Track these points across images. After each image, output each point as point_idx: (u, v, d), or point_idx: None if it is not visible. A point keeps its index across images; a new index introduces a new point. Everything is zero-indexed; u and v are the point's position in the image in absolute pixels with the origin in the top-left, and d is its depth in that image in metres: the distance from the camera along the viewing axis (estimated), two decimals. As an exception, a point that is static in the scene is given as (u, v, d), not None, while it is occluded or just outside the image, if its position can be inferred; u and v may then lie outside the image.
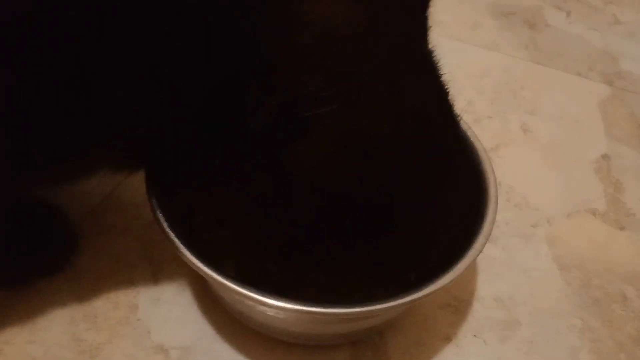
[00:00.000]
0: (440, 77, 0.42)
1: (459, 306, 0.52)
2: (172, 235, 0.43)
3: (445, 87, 0.42)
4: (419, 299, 0.41)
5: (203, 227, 0.50)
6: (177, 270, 0.52)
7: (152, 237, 0.54)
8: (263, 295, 0.40)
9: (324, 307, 0.40)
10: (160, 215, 0.44)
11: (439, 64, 0.42)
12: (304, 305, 0.40)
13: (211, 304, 0.49)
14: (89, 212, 0.55)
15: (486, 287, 0.53)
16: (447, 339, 0.49)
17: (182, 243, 0.43)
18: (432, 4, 0.42)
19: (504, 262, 0.55)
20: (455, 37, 0.84)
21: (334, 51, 0.34)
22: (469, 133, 0.52)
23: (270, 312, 0.43)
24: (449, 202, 0.43)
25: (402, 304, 0.41)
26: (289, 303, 0.40)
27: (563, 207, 0.61)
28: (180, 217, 0.46)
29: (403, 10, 0.39)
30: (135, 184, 0.57)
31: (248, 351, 0.47)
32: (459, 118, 0.45)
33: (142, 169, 0.46)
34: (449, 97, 0.43)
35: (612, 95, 0.75)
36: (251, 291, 0.40)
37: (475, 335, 0.50)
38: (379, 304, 0.40)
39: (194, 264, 0.42)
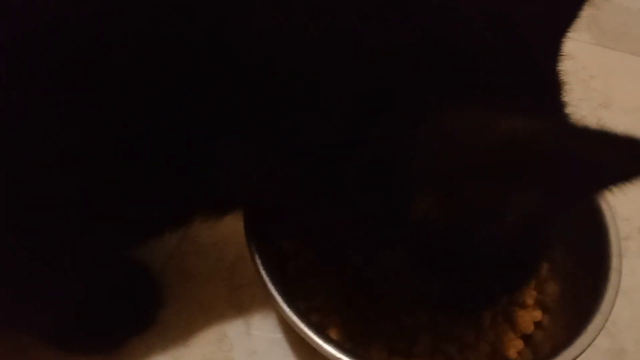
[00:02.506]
0: None
1: (562, 337, 0.50)
2: (285, 307, 0.41)
3: None
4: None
5: (296, 274, 0.48)
6: (268, 315, 0.50)
7: (239, 281, 0.52)
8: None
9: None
10: (270, 286, 0.42)
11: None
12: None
13: (309, 354, 0.48)
14: (168, 258, 0.53)
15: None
16: (556, 375, 0.48)
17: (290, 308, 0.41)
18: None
19: (601, 283, 0.53)
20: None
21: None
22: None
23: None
24: None
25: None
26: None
27: (655, 215, 0.58)
28: (275, 262, 0.44)
29: None
30: (210, 223, 0.55)
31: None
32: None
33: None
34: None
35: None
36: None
37: (583, 370, 0.48)
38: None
39: (316, 343, 0.40)
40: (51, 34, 0.30)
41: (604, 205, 0.46)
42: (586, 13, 0.80)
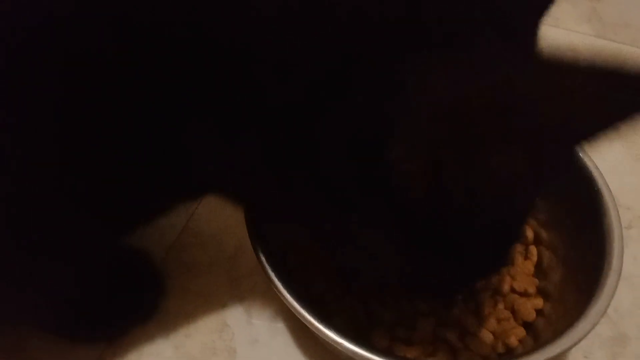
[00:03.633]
0: None
1: (564, 325, 0.49)
2: (289, 297, 0.41)
3: None
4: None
5: (297, 264, 0.48)
6: (269, 304, 0.50)
7: (239, 271, 0.52)
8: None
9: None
10: (272, 274, 0.42)
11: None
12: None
13: (311, 342, 0.47)
14: (168, 249, 0.53)
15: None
16: (558, 363, 0.48)
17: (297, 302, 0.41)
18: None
19: (603, 271, 0.53)
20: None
21: None
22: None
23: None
24: None
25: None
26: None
27: (656, 203, 0.58)
28: (276, 252, 0.44)
29: None
30: (208, 215, 0.56)
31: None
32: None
33: None
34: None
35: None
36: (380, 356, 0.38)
37: (585, 357, 0.48)
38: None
39: (318, 329, 0.40)
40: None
41: (605, 193, 0.46)
42: (587, 5, 0.80)
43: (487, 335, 0.45)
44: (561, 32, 0.76)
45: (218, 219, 0.55)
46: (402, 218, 0.32)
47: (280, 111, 0.31)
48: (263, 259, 0.42)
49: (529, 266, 0.49)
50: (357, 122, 0.30)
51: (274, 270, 0.42)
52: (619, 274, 0.42)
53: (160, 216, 0.44)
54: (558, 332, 0.41)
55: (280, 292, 0.41)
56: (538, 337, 0.45)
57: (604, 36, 0.76)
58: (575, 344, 0.39)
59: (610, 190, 0.46)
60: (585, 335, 0.39)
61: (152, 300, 0.48)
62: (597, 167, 0.48)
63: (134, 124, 0.33)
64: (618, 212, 0.46)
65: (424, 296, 0.45)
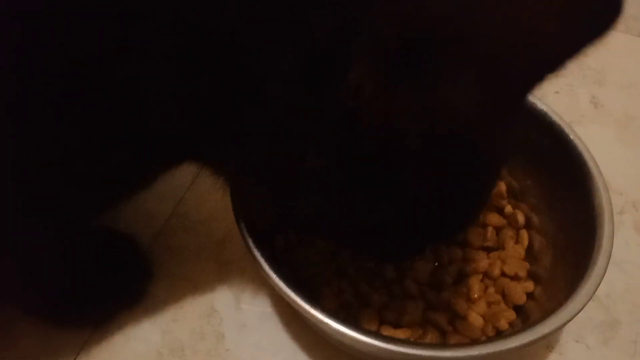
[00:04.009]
0: None
1: (555, 309, 0.49)
2: (276, 279, 0.40)
3: None
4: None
5: (285, 248, 0.47)
6: (257, 289, 0.49)
7: (228, 256, 0.51)
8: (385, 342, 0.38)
9: (434, 349, 0.38)
10: (260, 257, 0.41)
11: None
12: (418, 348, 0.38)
13: (300, 327, 0.47)
14: (156, 234, 0.52)
15: (580, 286, 0.50)
16: (549, 347, 0.47)
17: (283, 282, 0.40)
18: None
19: (595, 256, 0.52)
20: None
21: None
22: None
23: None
24: None
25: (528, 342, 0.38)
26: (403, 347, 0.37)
27: (649, 189, 0.57)
28: (263, 237, 0.44)
29: None
30: (197, 201, 0.55)
31: (345, 376, 0.45)
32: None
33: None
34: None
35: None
36: (369, 337, 0.38)
37: (577, 341, 0.48)
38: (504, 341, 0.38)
39: (305, 309, 0.39)
40: None
41: (595, 176, 0.45)
42: None
43: (477, 319, 0.45)
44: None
45: (206, 204, 0.55)
46: (353, 154, 0.30)
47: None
48: (250, 243, 0.42)
49: (520, 250, 0.49)
50: (314, 41, 0.29)
51: (261, 255, 0.42)
52: (609, 255, 0.42)
53: (140, 188, 0.42)
54: (548, 315, 0.40)
55: (267, 274, 0.40)
56: (528, 320, 0.44)
57: (597, 24, 0.75)
58: (565, 323, 0.39)
59: (601, 173, 0.46)
60: (574, 316, 0.39)
61: (139, 285, 0.48)
62: (588, 151, 0.47)
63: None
64: (609, 193, 0.45)
65: (377, 256, 0.44)
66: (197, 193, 0.55)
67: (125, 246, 0.48)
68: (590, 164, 0.46)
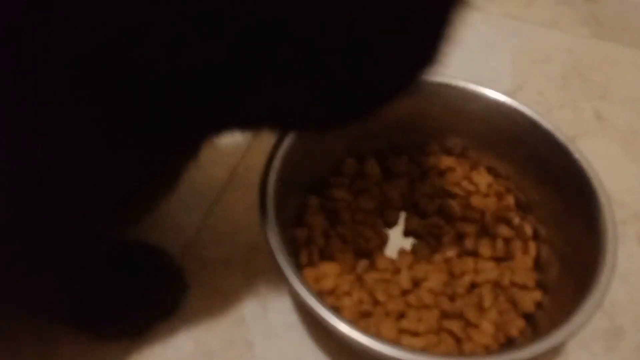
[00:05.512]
0: None
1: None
2: (302, 293, 0.44)
3: None
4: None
5: (309, 261, 0.51)
6: (283, 299, 0.53)
7: (255, 268, 0.55)
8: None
9: None
10: (283, 265, 0.44)
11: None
12: None
13: (324, 335, 0.50)
14: (187, 246, 0.56)
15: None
16: (555, 353, 0.50)
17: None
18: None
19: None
20: (511, 16, 0.81)
21: None
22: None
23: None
24: None
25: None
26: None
27: (651, 201, 0.60)
28: (288, 250, 0.47)
29: None
30: (224, 213, 0.58)
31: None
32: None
33: None
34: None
35: (685, 71, 0.73)
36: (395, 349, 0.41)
37: (583, 348, 0.51)
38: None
39: (323, 318, 0.42)
40: None
41: (600, 191, 0.49)
42: (584, 8, 0.83)
43: (489, 327, 0.48)
44: (560, 35, 0.79)
45: (233, 217, 0.58)
46: None
47: None
48: (278, 255, 0.45)
49: (528, 261, 0.52)
50: None
51: (288, 267, 0.45)
52: (613, 269, 0.45)
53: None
54: (556, 323, 0.44)
55: (294, 288, 0.44)
56: (537, 328, 0.48)
57: (602, 37, 0.78)
58: (573, 335, 0.42)
59: (605, 188, 0.49)
60: (581, 327, 0.42)
61: (175, 297, 0.51)
62: (592, 168, 0.50)
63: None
64: (612, 208, 0.48)
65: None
66: (224, 205, 0.59)
67: (160, 259, 0.51)
68: (595, 181, 0.49)
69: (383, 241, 0.55)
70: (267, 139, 0.63)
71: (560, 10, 0.82)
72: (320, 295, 0.48)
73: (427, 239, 0.54)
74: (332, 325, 0.42)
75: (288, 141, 0.52)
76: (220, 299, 0.53)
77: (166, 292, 0.51)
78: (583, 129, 0.67)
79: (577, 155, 0.51)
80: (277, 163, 0.50)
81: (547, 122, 0.54)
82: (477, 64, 0.74)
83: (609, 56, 0.76)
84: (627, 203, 0.60)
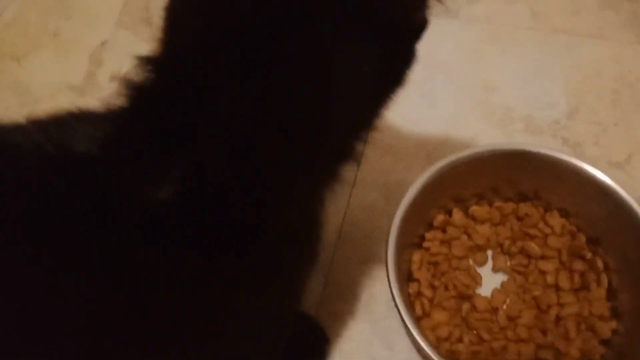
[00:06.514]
0: None
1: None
2: (424, 344, 0.56)
3: None
4: None
5: (423, 310, 0.63)
6: (405, 342, 0.65)
7: (375, 315, 0.67)
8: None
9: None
10: (405, 316, 0.56)
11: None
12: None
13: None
14: (318, 304, 0.68)
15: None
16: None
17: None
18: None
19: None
20: (559, 29, 0.86)
21: None
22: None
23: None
24: None
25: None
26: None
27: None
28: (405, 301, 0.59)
29: None
30: (342, 269, 0.71)
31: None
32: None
33: None
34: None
35: None
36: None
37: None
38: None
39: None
40: None
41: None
42: (627, 10, 0.87)
43: (575, 353, 0.60)
44: (605, 44, 0.84)
45: (350, 272, 0.70)
46: None
47: None
48: (400, 307, 0.57)
49: (602, 292, 0.63)
50: None
51: (408, 317, 0.57)
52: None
53: None
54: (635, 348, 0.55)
55: (414, 337, 0.56)
56: (618, 353, 0.59)
57: (646, 42, 0.84)
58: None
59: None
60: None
61: (321, 349, 0.65)
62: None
63: None
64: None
65: None
66: (341, 261, 0.71)
67: (309, 322, 0.64)
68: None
69: (477, 282, 0.66)
70: (361, 193, 0.74)
71: (604, 15, 0.87)
72: (438, 341, 0.61)
73: (514, 276, 0.66)
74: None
75: (405, 203, 0.62)
76: (352, 345, 0.66)
77: (315, 346, 0.64)
78: (638, 147, 0.75)
79: (635, 208, 0.60)
80: (395, 227, 0.61)
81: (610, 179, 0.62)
82: (533, 89, 0.81)
83: (654, 63, 0.82)
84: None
